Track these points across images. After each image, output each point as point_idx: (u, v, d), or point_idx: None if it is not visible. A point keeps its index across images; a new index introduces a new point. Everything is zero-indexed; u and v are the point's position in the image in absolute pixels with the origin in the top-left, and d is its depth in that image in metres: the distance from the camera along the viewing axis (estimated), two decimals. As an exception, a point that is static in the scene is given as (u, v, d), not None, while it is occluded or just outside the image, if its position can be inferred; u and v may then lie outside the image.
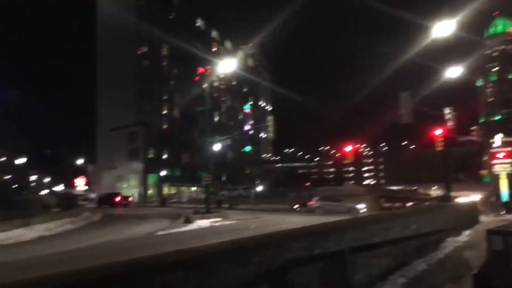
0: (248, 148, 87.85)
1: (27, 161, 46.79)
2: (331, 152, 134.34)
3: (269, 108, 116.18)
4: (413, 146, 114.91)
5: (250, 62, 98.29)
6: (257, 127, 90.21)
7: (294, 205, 35.51)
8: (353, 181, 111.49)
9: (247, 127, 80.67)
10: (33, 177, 75.69)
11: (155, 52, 68.78)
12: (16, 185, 49.01)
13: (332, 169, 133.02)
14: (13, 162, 43.61)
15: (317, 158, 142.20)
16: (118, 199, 45.71)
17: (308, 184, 67.19)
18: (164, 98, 70.37)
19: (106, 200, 45.13)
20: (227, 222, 23.51)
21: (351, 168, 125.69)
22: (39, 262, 11.32)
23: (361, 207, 27.79)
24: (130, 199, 50.37)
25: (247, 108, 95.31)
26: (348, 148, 40.01)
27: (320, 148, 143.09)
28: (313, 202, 30.64)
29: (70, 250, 13.98)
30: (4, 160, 38.19)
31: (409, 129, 60.36)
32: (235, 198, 45.93)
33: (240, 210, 35.89)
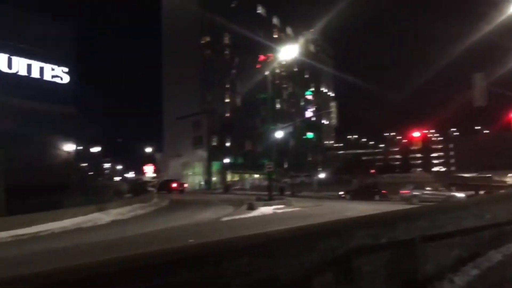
0: (310, 135, 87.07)
1: (101, 150, 49.78)
2: (397, 138, 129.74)
3: (331, 94, 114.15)
4: (487, 130, 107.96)
5: (312, 47, 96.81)
6: (319, 114, 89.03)
7: (340, 191, 35.24)
8: (420, 168, 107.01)
9: (309, 114, 79.80)
10: (106, 165, 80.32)
11: (217, 41, 69.81)
12: (92, 172, 52.30)
13: (398, 156, 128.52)
14: (89, 151, 46.56)
15: (382, 145, 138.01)
16: (174, 185, 49.21)
17: (372, 171, 65.45)
18: (226, 86, 71.42)
19: (164, 186, 48.46)
20: (290, 209, 23.59)
21: (418, 155, 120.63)
22: (118, 244, 12.07)
23: (461, 196, 26.42)
24: (185, 185, 53.53)
25: (309, 95, 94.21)
26: (416, 134, 38.36)
27: (385, 134, 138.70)
28: (407, 191, 29.24)
29: (144, 233, 14.76)
30: (81, 149, 40.89)
31: (483, 113, 56.68)
32: (297, 185, 45.92)
33: (303, 197, 35.86)
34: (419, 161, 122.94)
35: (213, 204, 28.32)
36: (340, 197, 34.85)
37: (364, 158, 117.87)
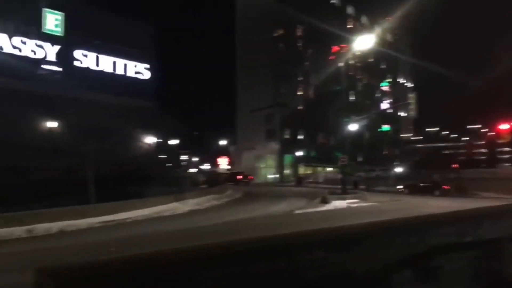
0: (386, 128, 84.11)
1: (179, 142, 51.91)
2: (482, 130, 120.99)
3: (409, 85, 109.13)
4: None
5: (389, 37, 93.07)
6: (396, 106, 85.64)
7: (398, 185, 33.65)
8: (509, 163, 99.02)
9: (384, 106, 77.04)
10: (183, 157, 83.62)
11: (290, 33, 69.58)
12: (170, 164, 54.78)
13: (483, 150, 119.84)
14: (168, 143, 48.79)
15: (465, 138, 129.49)
16: (240, 177, 52.12)
17: (455, 165, 61.74)
18: (299, 79, 71.06)
19: (231, 178, 50.63)
20: (365, 204, 23.01)
21: (506, 149, 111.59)
22: (196, 233, 12.58)
23: None
24: (250, 177, 55.80)
25: (385, 86, 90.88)
26: (504, 126, 35.55)
27: (469, 127, 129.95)
28: None
29: (220, 223, 15.24)
30: (161, 142, 43.01)
31: None
32: (372, 180, 44.64)
33: (378, 192, 34.81)
34: (507, 156, 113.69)
35: (286, 197, 28.42)
36: (398, 191, 33.54)
37: (445, 152, 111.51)
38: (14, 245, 12.78)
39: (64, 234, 14.89)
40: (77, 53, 30.75)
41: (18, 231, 14.60)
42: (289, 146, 66.58)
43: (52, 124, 28.10)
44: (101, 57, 31.78)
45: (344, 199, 23.93)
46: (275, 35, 68.34)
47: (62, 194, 19.21)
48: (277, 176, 65.16)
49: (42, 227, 15.14)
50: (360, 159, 70.67)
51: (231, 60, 76.78)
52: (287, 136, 68.35)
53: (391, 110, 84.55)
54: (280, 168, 67.03)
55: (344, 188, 26.64)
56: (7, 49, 27.40)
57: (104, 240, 12.17)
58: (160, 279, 1.77)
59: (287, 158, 67.93)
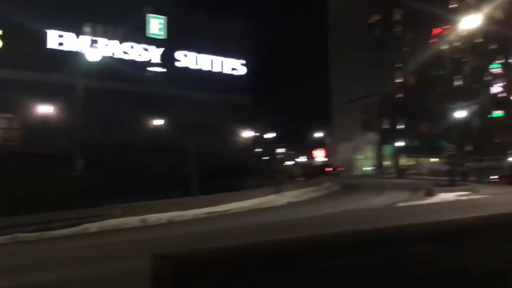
0: (498, 113, 76.72)
1: (275, 135, 52.62)
2: None
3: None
4: None
5: (500, 13, 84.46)
6: (509, 89, 77.64)
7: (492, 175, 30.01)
8: None
9: (496, 90, 70.23)
10: (280, 150, 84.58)
11: (387, 19, 66.64)
12: (267, 157, 55.80)
13: None
14: (264, 137, 49.72)
15: None
16: (329, 169, 53.04)
17: None
18: (397, 65, 67.80)
19: (321, 170, 50.94)
20: (476, 196, 21.30)
21: None
22: (297, 224, 12.72)
23: None
24: (340, 169, 56.60)
25: (495, 68, 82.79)
26: None
27: None
28: None
29: (319, 215, 15.23)
30: (257, 136, 44.03)
31: None
32: (483, 170, 41.08)
33: (491, 183, 31.99)
34: None
35: (387, 189, 27.44)
36: (492, 181, 30.25)
37: None
38: (130, 233, 14.06)
39: (173, 224, 16.03)
40: (178, 54, 32.61)
41: (133, 220, 16.03)
42: (388, 136, 64.01)
43: (158, 122, 30.25)
44: (200, 56, 33.35)
45: (452, 191, 22.41)
46: (370, 21, 65.94)
47: (169, 187, 20.62)
48: (376, 168, 63.07)
49: (153, 217, 16.46)
50: (468, 148, 65.47)
51: (325, 50, 75.81)
52: (386, 126, 65.72)
53: (503, 94, 76.82)
54: (379, 159, 64.79)
55: (452, 180, 24.95)
56: (118, 54, 29.99)
57: (209, 230, 12.83)
58: (263, 267, 1.82)
59: (386, 149, 65.39)
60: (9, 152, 23.07)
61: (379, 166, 63.63)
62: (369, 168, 64.41)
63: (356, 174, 58.21)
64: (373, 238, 2.63)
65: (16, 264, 9.36)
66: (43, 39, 27.29)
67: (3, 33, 25.67)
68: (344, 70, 67.71)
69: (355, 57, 64.69)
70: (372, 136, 64.55)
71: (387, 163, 65.24)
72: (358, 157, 66.99)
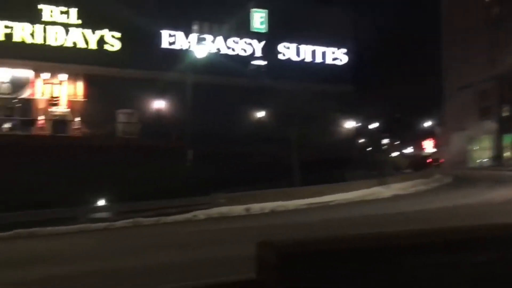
0: None
1: (379, 125, 50.89)
2: None
3: None
4: None
5: None
6: None
7: None
8: None
9: None
10: (384, 140, 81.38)
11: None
12: (371, 148, 54.12)
13: None
14: (367, 127, 48.33)
15: None
16: (429, 160, 53.33)
17: None
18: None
19: (422, 161, 51.92)
20: None
21: None
22: (402, 218, 12.25)
23: None
24: (441, 160, 55.21)
25: None
26: None
27: None
28: None
29: (429, 209, 14.42)
30: (360, 126, 42.88)
31: None
32: None
33: None
34: None
35: (507, 182, 24.91)
36: None
37: None
38: (235, 221, 14.68)
39: (275, 213, 16.39)
40: (280, 46, 32.96)
41: (238, 209, 16.71)
42: (509, 124, 57.93)
43: (261, 114, 30.96)
44: (301, 47, 33.33)
45: None
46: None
47: (272, 177, 21.06)
48: (494, 159, 57.58)
49: (257, 207, 16.98)
50: None
51: (435, 33, 70.75)
52: (506, 114, 59.53)
53: None
54: (497, 150, 59.02)
55: None
56: (223, 50, 31.26)
57: (312, 220, 12.88)
58: (367, 261, 1.80)
59: (507, 138, 59.29)
60: (129, 144, 25.48)
61: (497, 157, 57.96)
62: (486, 160, 59.06)
63: (471, 166, 53.79)
64: (483, 235, 2.44)
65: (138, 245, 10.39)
66: (157, 39, 29.54)
67: (122, 36, 28.29)
68: (458, 53, 62.69)
69: (470, 38, 59.50)
70: (490, 125, 58.98)
71: (507, 154, 59.17)
72: (473, 148, 61.86)
